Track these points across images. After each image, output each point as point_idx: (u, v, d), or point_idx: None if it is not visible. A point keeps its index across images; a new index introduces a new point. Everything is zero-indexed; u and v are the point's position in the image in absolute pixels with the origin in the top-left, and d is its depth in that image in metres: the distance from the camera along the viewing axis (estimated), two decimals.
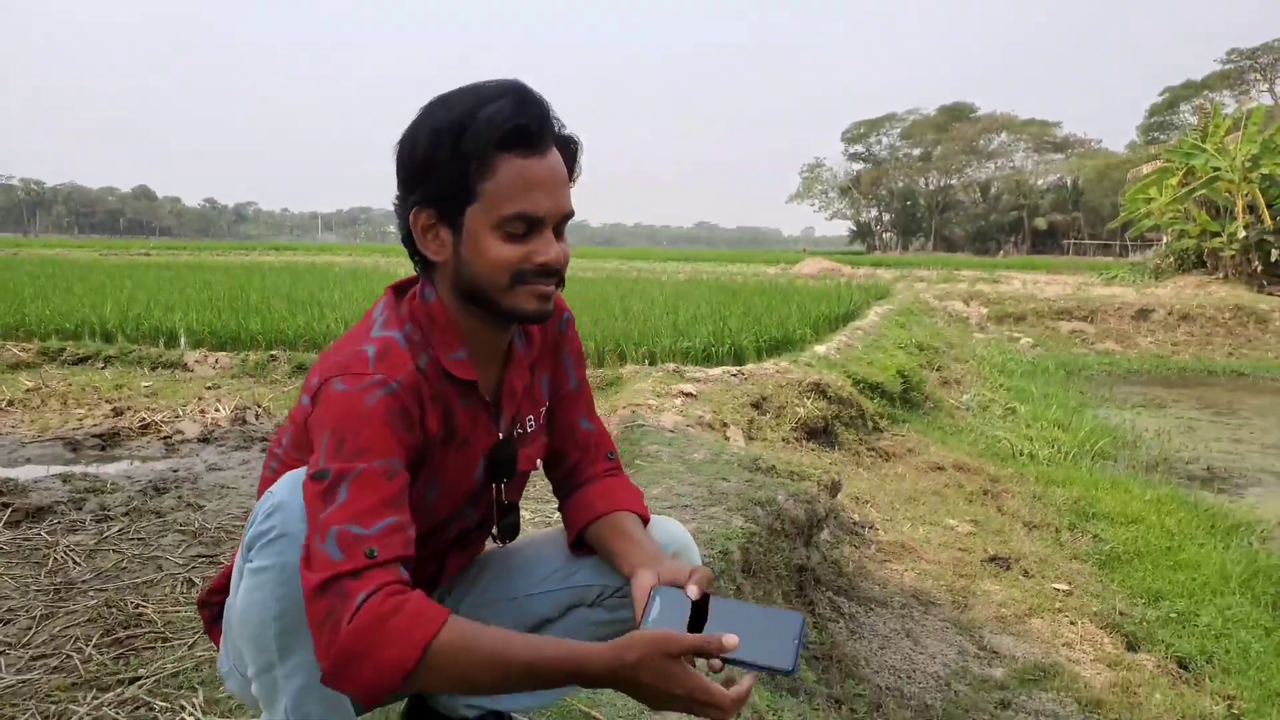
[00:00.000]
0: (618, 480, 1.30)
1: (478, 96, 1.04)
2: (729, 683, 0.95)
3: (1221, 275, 18.86)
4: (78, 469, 3.62)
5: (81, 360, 6.69)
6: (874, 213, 75.05)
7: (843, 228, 79.53)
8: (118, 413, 4.84)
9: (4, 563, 2.39)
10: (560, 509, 1.32)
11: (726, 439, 4.32)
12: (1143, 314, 14.88)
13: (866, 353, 7.64)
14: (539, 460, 1.31)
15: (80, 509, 2.89)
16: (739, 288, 13.29)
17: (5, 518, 2.73)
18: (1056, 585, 3.76)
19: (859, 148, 73.43)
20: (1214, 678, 3.21)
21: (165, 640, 1.94)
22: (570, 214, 1.08)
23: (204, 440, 4.38)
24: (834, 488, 3.76)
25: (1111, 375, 11.63)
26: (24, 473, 3.55)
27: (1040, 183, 67.02)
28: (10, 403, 5.13)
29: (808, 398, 5.43)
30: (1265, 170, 17.98)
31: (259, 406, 5.05)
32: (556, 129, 1.07)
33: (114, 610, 2.09)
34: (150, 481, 3.30)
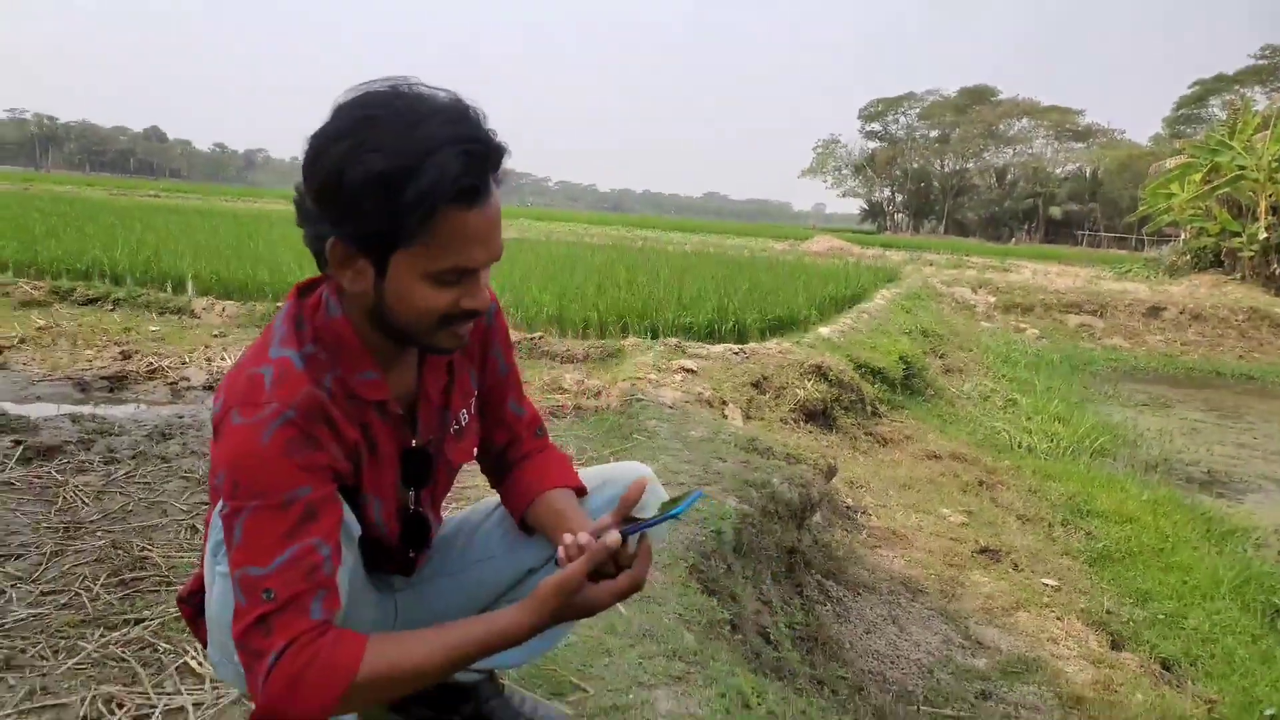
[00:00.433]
0: (545, 455, 1.34)
1: (421, 139, 0.93)
2: (630, 559, 1.06)
3: (1239, 276, 18.58)
4: (86, 410, 3.66)
5: (91, 301, 6.74)
6: (887, 192, 74.33)
7: (854, 206, 78.79)
8: (126, 356, 4.88)
9: (16, 498, 2.44)
10: (499, 492, 1.36)
11: (725, 417, 4.34)
12: (1154, 311, 14.71)
13: (870, 337, 7.64)
14: (474, 450, 1.33)
15: (89, 450, 2.93)
16: (746, 263, 13.20)
17: (17, 455, 2.77)
18: (1046, 580, 3.79)
19: (876, 126, 72.63)
20: (1197, 681, 3.22)
21: (169, 584, 1.99)
22: (499, 257, 1.03)
23: (209, 388, 4.41)
24: (829, 472, 3.79)
25: (1117, 372, 11.57)
26: (35, 410, 3.59)
27: (1059, 171, 66.14)
28: (22, 340, 5.19)
29: (808, 380, 5.44)
30: None
31: None
32: (496, 158, 0.98)
33: (120, 552, 2.14)
34: (156, 426, 3.34)
